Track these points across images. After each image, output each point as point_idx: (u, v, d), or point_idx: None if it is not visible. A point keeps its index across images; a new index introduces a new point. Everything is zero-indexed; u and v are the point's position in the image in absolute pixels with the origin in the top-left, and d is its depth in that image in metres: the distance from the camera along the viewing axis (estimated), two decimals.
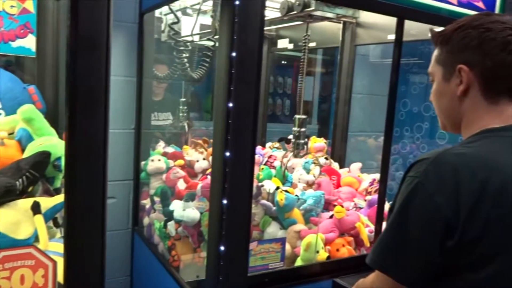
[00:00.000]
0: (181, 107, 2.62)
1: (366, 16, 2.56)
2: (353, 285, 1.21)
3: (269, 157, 2.54)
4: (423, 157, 0.99)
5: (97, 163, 1.16)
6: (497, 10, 2.01)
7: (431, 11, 1.81)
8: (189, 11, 2.42)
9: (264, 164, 2.44)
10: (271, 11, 2.24)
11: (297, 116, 1.90)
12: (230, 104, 1.40)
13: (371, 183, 2.31)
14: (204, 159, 2.31)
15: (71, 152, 1.13)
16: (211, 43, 2.23)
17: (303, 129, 1.89)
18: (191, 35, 2.31)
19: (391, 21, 1.79)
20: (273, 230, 1.83)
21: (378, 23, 2.54)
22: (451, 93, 1.06)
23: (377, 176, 2.32)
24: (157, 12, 2.38)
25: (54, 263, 1.15)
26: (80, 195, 1.14)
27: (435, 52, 1.11)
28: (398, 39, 1.79)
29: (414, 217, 0.95)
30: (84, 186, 1.15)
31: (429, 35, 1.13)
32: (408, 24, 1.80)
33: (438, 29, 1.12)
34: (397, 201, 1.00)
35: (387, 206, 2.11)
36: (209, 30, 2.29)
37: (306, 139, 1.92)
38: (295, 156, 1.92)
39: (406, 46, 1.81)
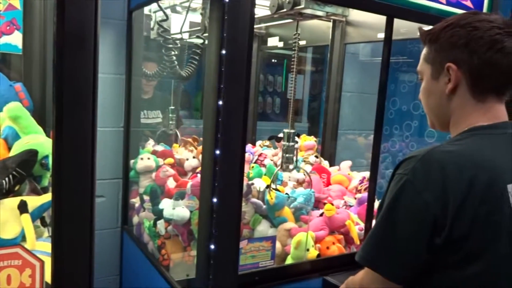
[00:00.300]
0: (170, 106, 2.61)
1: (355, 15, 2.57)
2: (343, 283, 1.21)
3: (259, 155, 2.53)
4: (411, 155, 1.00)
5: (85, 161, 1.14)
6: (485, 9, 2.03)
7: (420, 10, 1.82)
8: (178, 8, 2.40)
9: (255, 162, 2.44)
10: (261, 9, 2.23)
11: (285, 131, 1.90)
12: (220, 102, 1.40)
13: (361, 181, 2.32)
14: (194, 157, 2.30)
15: (58, 150, 1.11)
16: (201, 41, 2.22)
17: (291, 144, 1.89)
18: (180, 32, 2.29)
19: (381, 19, 1.79)
20: (263, 228, 1.83)
21: (368, 22, 2.55)
22: (439, 91, 1.07)
23: (367, 174, 2.33)
24: (146, 9, 2.36)
25: (42, 262, 1.13)
26: (68, 194, 1.13)
27: (424, 51, 1.12)
28: (387, 37, 1.80)
29: (402, 215, 0.96)
30: (72, 185, 1.13)
31: (418, 33, 1.14)
32: (398, 22, 1.80)
33: (427, 27, 1.13)
34: (386, 199, 1.01)
35: (377, 204, 2.13)
36: (198, 28, 2.28)
37: (295, 152, 1.92)
38: (284, 170, 1.93)
39: (395, 44, 1.82)
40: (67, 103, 1.11)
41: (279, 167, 1.94)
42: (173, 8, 2.37)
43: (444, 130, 1.12)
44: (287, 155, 1.90)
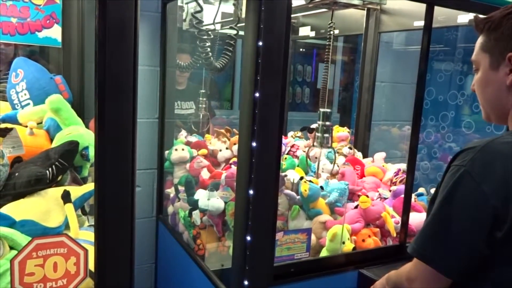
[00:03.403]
0: (203, 97, 2.62)
1: (391, 3, 2.50)
2: (379, 276, 1.20)
3: (292, 146, 2.52)
4: (469, 146, 0.96)
5: (126, 152, 1.17)
6: None
7: None
8: None
9: (287, 154, 2.43)
10: None
11: (321, 110, 1.88)
12: (257, 94, 1.39)
13: (396, 173, 2.27)
14: (227, 148, 2.31)
15: (101, 141, 1.14)
16: (234, 32, 2.21)
17: (328, 123, 1.88)
18: (213, 23, 2.29)
19: (417, 7, 1.74)
20: (298, 220, 1.83)
21: (404, 10, 2.48)
22: (498, 82, 1.02)
23: (402, 166, 2.29)
24: (179, 1, 2.37)
25: (86, 251, 1.17)
26: (110, 184, 1.16)
27: (480, 39, 1.06)
28: (427, 26, 1.74)
29: (459, 207, 0.93)
30: (113, 175, 1.16)
31: (471, 22, 1.09)
32: (436, 10, 1.74)
33: (480, 16, 1.08)
34: (440, 191, 0.98)
35: (412, 196, 2.09)
36: (231, 19, 2.27)
37: (330, 132, 1.91)
38: (322, 147, 1.92)
39: (432, 32, 1.76)
40: (109, 94, 1.13)
41: (315, 143, 1.94)
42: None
43: (501, 123, 1.07)
44: (324, 135, 1.90)
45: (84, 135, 1.68)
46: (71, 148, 1.57)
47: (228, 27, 2.29)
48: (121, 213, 1.18)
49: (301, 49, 4.21)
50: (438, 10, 1.76)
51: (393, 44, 3.28)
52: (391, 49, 3.25)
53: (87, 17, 2.04)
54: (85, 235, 1.41)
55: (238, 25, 2.18)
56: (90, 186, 1.54)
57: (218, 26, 2.39)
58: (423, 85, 1.77)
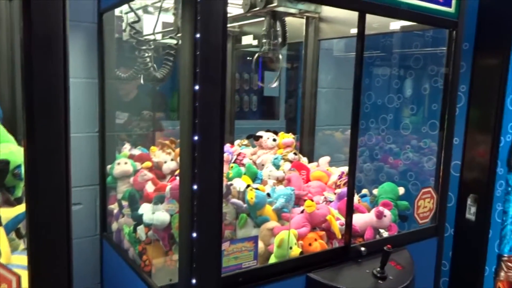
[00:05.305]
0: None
1: (328, 11, 2.58)
2: (326, 279, 1.21)
3: (238, 154, 2.52)
4: None
5: (59, 168, 1.12)
6: (453, 2, 2.06)
7: (391, 5, 1.84)
8: (150, 9, 2.36)
9: (234, 162, 2.43)
10: (234, 8, 2.22)
11: None
12: (196, 104, 1.38)
13: (340, 176, 2.33)
14: (172, 160, 2.27)
15: (31, 159, 1.08)
16: (174, 41, 2.19)
17: None
18: (153, 33, 2.26)
19: (353, 15, 1.81)
20: (246, 229, 1.82)
21: (341, 18, 2.57)
22: None
23: (345, 169, 2.35)
24: (117, 11, 2.31)
25: (18, 277, 1.10)
26: (42, 203, 1.10)
27: None
28: (360, 33, 1.81)
29: None
30: (46, 194, 1.10)
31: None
32: (370, 17, 1.82)
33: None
34: None
35: (356, 198, 2.15)
36: (171, 28, 2.25)
37: None
38: None
39: (368, 39, 1.83)
40: (38, 108, 1.08)
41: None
42: (145, 9, 2.33)
43: None
44: None
45: (15, 153, 1.59)
46: (1, 167, 1.48)
47: (168, 36, 2.26)
48: (55, 234, 1.13)
49: (247, 58, 4.24)
50: (371, 18, 1.83)
51: (333, 51, 3.39)
52: (332, 56, 3.35)
53: (17, 29, 1.94)
54: (19, 260, 1.33)
55: (179, 34, 2.16)
56: (23, 207, 1.45)
57: (159, 36, 2.35)
58: (359, 90, 1.83)
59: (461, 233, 2.58)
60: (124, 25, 2.38)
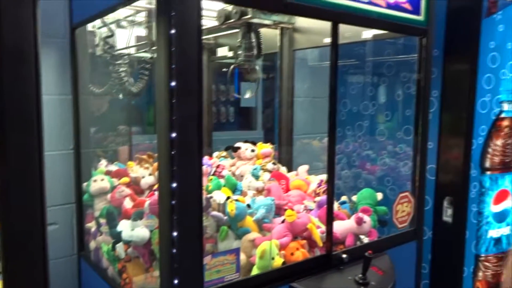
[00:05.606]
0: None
1: (302, 22, 2.62)
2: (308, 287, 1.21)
3: (217, 166, 2.51)
4: None
5: (33, 188, 1.09)
6: (422, 10, 2.12)
7: (362, 14, 1.88)
8: (123, 23, 2.35)
9: (213, 175, 2.41)
10: (208, 20, 2.23)
11: None
12: (174, 117, 1.37)
13: (319, 184, 2.35)
14: (150, 174, 2.24)
15: (3, 179, 1.05)
16: (149, 55, 2.18)
17: None
18: (127, 47, 2.24)
19: (326, 25, 1.84)
20: (228, 241, 1.81)
21: (314, 28, 2.61)
22: None
23: (324, 177, 2.36)
24: (89, 26, 2.28)
25: None
26: (16, 225, 1.07)
27: None
28: (334, 42, 1.84)
29: None
30: (20, 215, 1.07)
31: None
32: (342, 27, 1.85)
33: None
34: None
35: (336, 205, 2.16)
36: (145, 42, 2.24)
37: None
38: None
39: (342, 48, 1.86)
40: (10, 127, 1.05)
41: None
42: (118, 24, 2.31)
43: None
44: None
45: None
46: None
47: (143, 50, 2.25)
48: (31, 256, 1.09)
49: (223, 69, 4.25)
50: (344, 27, 1.87)
51: (308, 61, 3.43)
52: (307, 66, 3.39)
53: None
54: None
55: (153, 48, 2.15)
56: None
57: (133, 50, 2.34)
58: (335, 98, 1.86)
59: (439, 235, 2.62)
60: (97, 40, 2.36)
